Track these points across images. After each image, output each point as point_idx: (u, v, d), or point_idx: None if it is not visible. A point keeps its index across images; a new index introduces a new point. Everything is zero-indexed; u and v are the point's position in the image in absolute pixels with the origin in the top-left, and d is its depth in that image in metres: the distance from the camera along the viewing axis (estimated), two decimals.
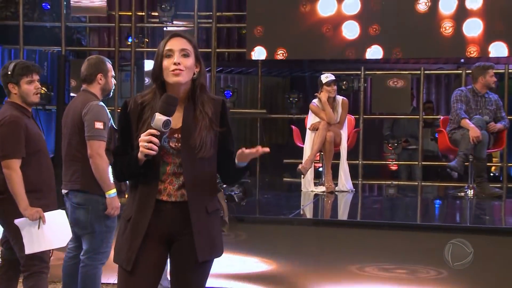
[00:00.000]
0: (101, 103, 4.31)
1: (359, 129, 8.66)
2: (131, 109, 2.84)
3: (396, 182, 8.91)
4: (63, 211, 4.26)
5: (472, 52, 8.66)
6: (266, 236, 5.56)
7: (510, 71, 8.91)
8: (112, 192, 4.23)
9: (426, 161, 9.14)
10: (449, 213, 7.14)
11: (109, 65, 4.50)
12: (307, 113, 7.74)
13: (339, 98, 7.58)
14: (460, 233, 5.39)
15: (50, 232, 4.09)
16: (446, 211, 7.20)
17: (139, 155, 2.73)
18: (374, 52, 8.91)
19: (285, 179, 8.88)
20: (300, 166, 7.37)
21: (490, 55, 8.67)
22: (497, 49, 8.59)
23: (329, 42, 9.01)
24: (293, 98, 9.32)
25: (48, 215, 4.10)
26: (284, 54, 9.32)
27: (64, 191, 4.40)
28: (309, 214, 6.61)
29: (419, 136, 8.98)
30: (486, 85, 7.37)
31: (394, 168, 9.80)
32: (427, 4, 8.72)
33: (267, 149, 2.95)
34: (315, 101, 7.59)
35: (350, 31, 8.93)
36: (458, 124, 7.23)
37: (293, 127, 8.30)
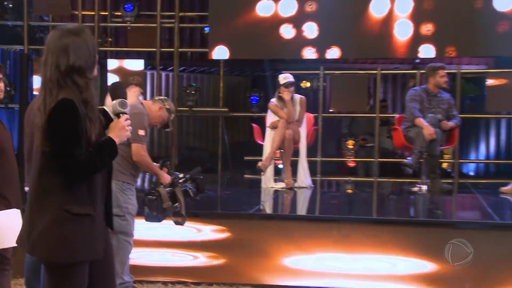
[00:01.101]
0: None
1: (318, 127, 8.73)
2: (81, 111, 2.79)
3: (354, 178, 9.02)
4: (18, 211, 4.22)
5: (403, 53, 8.84)
6: (228, 231, 5.60)
7: (462, 71, 9.10)
8: None
9: (382, 158, 9.27)
10: (403, 208, 7.26)
11: None
12: (267, 111, 7.79)
13: (297, 96, 7.65)
14: (412, 226, 5.51)
15: (1, 231, 4.05)
16: (401, 206, 7.33)
17: (118, 140, 2.87)
18: (333, 52, 9.01)
19: (246, 176, 8.93)
20: (260, 163, 7.44)
21: (420, 55, 8.85)
22: (426, 50, 8.76)
23: (288, 42, 9.08)
24: (254, 97, 9.39)
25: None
26: (245, 54, 9.40)
27: (26, 189, 4.37)
28: (269, 209, 6.68)
29: (376, 134, 9.11)
30: (437, 85, 7.51)
31: (352, 164, 9.90)
32: (383, 6, 8.84)
33: None
34: (273, 100, 7.65)
35: (286, 31, 8.99)
36: (412, 122, 7.35)
37: (253, 125, 8.35)
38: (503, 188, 7.28)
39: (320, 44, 9.02)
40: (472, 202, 7.26)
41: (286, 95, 7.49)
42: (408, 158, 7.33)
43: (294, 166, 7.59)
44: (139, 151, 4.64)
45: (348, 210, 7.14)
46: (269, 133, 7.62)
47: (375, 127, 9.09)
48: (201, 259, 5.55)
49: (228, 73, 10.82)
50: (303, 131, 7.64)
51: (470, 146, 11.44)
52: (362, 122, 9.72)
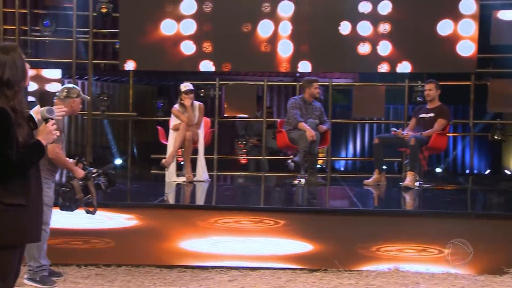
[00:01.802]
0: None
1: (214, 129, 8.73)
2: (12, 117, 2.78)
3: (245, 173, 9.08)
4: None
5: (285, 67, 8.96)
6: (136, 219, 5.49)
7: (333, 84, 9.34)
8: None
9: (269, 156, 9.37)
10: (286, 198, 7.35)
11: None
12: (170, 115, 7.71)
13: (196, 103, 7.62)
14: (293, 213, 5.59)
15: None
16: (284, 196, 7.42)
17: (45, 142, 2.90)
18: (206, 65, 8.98)
19: (152, 171, 8.79)
20: (164, 161, 7.34)
21: (299, 70, 9.01)
22: (303, 66, 8.93)
23: (189, 56, 9.01)
24: (159, 103, 9.30)
25: None
26: (150, 66, 9.28)
27: None
28: (171, 200, 6.60)
29: (263, 136, 9.20)
30: (311, 95, 7.68)
31: (244, 161, 9.95)
32: (269, 28, 8.94)
33: None
34: (176, 106, 7.59)
35: (186, 47, 8.94)
36: (294, 126, 7.47)
37: (158, 127, 8.22)
38: (366, 181, 7.48)
39: (216, 58, 9.01)
40: (342, 193, 7.45)
41: (186, 101, 7.44)
42: (294, 156, 7.37)
43: (193, 162, 7.55)
44: (55, 149, 4.54)
45: (240, 200, 7.17)
46: (172, 134, 7.54)
47: (263, 130, 9.19)
48: (111, 244, 5.41)
49: (137, 82, 10.63)
50: (201, 133, 7.61)
51: (340, 146, 11.79)
52: (256, 125, 9.78)
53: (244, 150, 9.64)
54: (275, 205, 6.58)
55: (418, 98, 8.96)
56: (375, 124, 11.44)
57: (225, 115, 9.59)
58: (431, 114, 7.39)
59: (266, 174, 8.95)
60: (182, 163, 7.70)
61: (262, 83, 9.35)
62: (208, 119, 8.18)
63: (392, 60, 8.85)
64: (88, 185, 4.49)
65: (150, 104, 9.82)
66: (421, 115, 7.49)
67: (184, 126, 7.38)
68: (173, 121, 7.59)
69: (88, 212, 4.54)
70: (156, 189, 7.26)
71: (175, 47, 8.98)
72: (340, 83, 10.85)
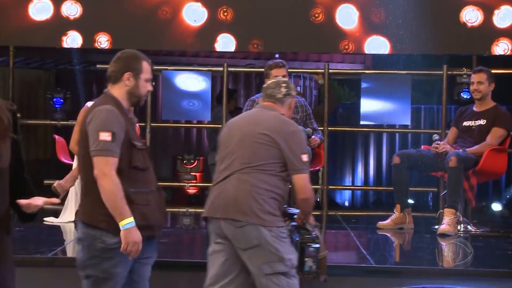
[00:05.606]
0: None
1: (145, 140, 8.74)
2: None
3: (193, 210, 9.08)
4: None
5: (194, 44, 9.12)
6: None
7: (331, 71, 9.25)
8: None
9: None
10: None
11: None
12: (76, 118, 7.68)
13: None
14: None
15: None
16: None
17: None
18: (72, 38, 9.04)
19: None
20: (56, 183, 6.98)
21: (218, 50, 9.20)
22: (225, 42, 9.06)
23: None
24: (58, 98, 9.25)
25: None
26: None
27: None
28: (74, 252, 6.54)
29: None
30: None
31: (192, 191, 9.96)
32: None
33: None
34: (92, 103, 7.55)
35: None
36: None
37: (56, 137, 8.18)
38: (382, 223, 7.56)
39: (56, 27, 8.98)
40: (345, 241, 7.50)
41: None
42: None
43: None
44: (307, 184, 4.52)
45: (180, 251, 7.13)
46: None
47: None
48: None
49: (22, 65, 10.62)
50: None
51: (343, 169, 11.85)
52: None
53: (193, 174, 9.66)
54: None
55: (462, 95, 9.07)
56: (397, 133, 11.55)
57: (162, 119, 9.61)
58: (481, 121, 7.48)
59: None
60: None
61: (221, 69, 9.37)
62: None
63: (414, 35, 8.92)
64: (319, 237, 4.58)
65: (43, 100, 9.79)
66: (466, 123, 7.57)
67: None
68: None
69: (324, 280, 4.60)
70: (53, 235, 7.22)
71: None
72: (343, 69, 10.92)
